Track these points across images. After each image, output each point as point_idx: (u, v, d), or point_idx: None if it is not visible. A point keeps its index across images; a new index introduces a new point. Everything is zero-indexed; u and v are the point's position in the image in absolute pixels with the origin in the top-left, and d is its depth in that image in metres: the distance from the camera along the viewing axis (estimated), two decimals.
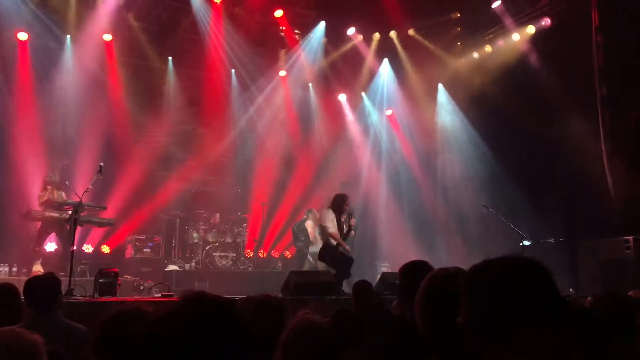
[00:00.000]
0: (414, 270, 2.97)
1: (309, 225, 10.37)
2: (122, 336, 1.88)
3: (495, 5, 11.34)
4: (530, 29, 11.24)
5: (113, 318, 2.02)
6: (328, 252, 8.10)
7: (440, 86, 13.26)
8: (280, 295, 6.40)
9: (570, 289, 8.46)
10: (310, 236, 10.33)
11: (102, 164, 7.49)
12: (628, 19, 8.97)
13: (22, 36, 10.33)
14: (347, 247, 8.25)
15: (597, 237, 8.76)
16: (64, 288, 5.03)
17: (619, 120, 9.10)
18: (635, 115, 8.88)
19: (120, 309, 2.09)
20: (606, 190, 9.07)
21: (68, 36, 10.86)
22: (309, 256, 10.38)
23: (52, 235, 9.23)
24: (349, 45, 12.83)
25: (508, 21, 11.51)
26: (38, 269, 8.47)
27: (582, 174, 9.58)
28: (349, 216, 8.32)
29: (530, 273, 1.47)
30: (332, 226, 8.15)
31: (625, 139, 8.98)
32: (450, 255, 11.20)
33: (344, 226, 8.23)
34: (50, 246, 9.30)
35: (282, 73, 13.12)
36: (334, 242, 8.13)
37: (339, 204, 8.31)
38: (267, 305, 3.28)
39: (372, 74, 13.51)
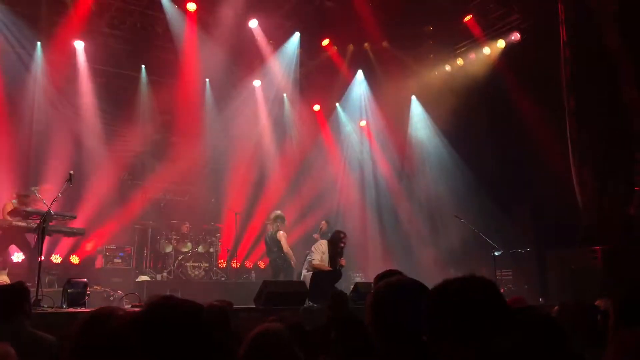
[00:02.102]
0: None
1: (282, 236, 10.20)
2: (96, 339, 1.86)
3: (466, 19, 11.56)
4: (501, 43, 11.49)
5: (87, 321, 1.99)
6: (317, 282, 8.12)
7: (414, 98, 13.43)
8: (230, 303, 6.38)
9: (540, 299, 8.59)
10: (284, 247, 10.16)
11: (72, 172, 7.35)
12: (594, 33, 9.23)
13: None
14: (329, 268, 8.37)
15: (565, 247, 8.92)
16: (31, 299, 4.91)
17: (586, 132, 9.32)
18: (601, 127, 9.11)
19: (95, 312, 2.06)
20: (575, 201, 9.26)
21: (38, 42, 10.70)
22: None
23: (19, 245, 9.01)
24: (323, 56, 12.91)
25: (479, 35, 11.75)
26: (4, 279, 8.25)
27: (551, 185, 9.78)
28: (340, 255, 8.51)
29: (482, 292, 1.64)
30: (317, 259, 8.34)
31: (592, 151, 9.20)
32: (424, 265, 11.29)
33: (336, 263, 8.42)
34: (17, 256, 9.08)
35: (257, 83, 13.13)
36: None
37: (334, 242, 8.51)
38: (210, 313, 3.27)
39: (347, 85, 13.61)
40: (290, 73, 13.04)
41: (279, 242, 10.05)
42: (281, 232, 10.00)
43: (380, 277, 3.17)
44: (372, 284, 3.30)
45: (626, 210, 8.47)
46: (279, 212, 10.25)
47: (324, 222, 10.82)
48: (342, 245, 8.47)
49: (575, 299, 6.98)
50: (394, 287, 1.94)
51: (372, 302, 1.94)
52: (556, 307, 4.19)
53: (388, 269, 3.26)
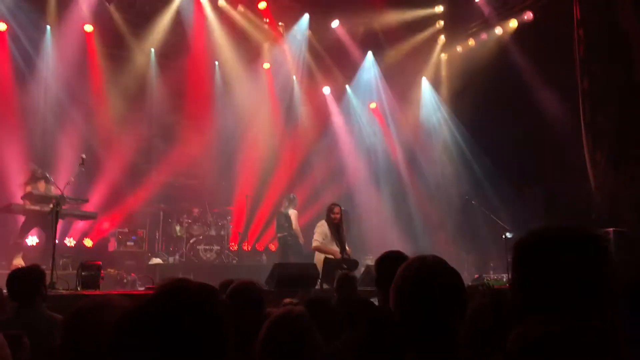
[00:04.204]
0: (388, 260, 3.01)
1: (292, 213, 10.19)
2: (89, 334, 1.66)
3: None
4: (513, 23, 11.33)
5: (74, 316, 1.78)
6: (330, 268, 7.69)
7: (424, 79, 13.32)
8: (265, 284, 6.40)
9: None
10: (293, 224, 10.13)
11: (84, 155, 7.43)
12: (609, 12, 9.08)
13: (1, 26, 10.19)
14: (336, 250, 7.86)
15: None
16: (46, 281, 4.98)
17: (600, 113, 9.22)
18: (615, 108, 9.01)
19: (83, 305, 1.81)
20: (587, 183, 9.20)
21: (48, 27, 10.71)
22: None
23: (33, 229, 9.11)
24: (333, 38, 12.81)
25: (491, 15, 11.59)
26: (19, 262, 8.35)
27: (564, 166, 9.71)
28: (340, 228, 8.01)
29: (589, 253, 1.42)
30: (318, 240, 7.87)
31: (606, 132, 9.11)
32: (434, 247, 11.28)
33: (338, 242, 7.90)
34: (31, 240, 9.18)
35: (266, 65, 13.06)
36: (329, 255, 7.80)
37: (327, 216, 8.02)
38: (246, 293, 3.26)
39: (357, 67, 13.51)
40: (300, 55, 12.96)
41: (289, 218, 10.06)
42: (292, 210, 10.08)
43: (382, 259, 3.16)
44: (375, 266, 3.28)
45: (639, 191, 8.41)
46: (292, 195, 10.44)
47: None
48: (333, 217, 7.91)
49: None
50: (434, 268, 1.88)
51: (411, 284, 1.86)
52: None
53: (396, 250, 3.23)
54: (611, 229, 8.22)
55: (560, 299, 1.38)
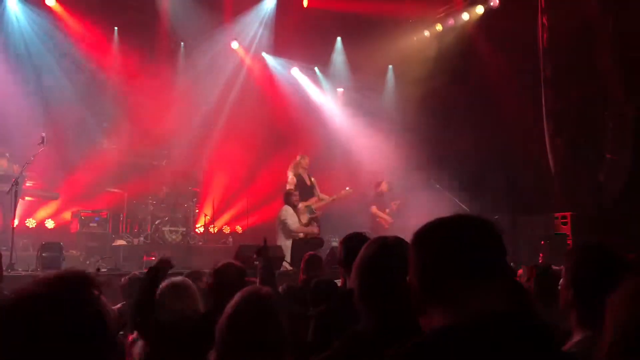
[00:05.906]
0: (352, 242, 3.07)
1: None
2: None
3: None
4: (479, 9, 11.44)
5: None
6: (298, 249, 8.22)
7: (391, 67, 13.38)
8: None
9: (511, 263, 8.79)
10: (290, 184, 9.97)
11: (44, 134, 7.27)
12: (573, 1, 9.26)
13: None
14: (314, 230, 9.15)
15: (537, 213, 9.12)
16: (5, 262, 4.89)
17: (561, 101, 9.43)
18: (576, 96, 9.23)
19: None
20: (547, 169, 9.43)
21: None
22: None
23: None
24: (301, 18, 12.69)
25: (458, 0, 11.68)
26: None
27: (525, 152, 9.93)
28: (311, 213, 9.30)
29: (479, 233, 1.42)
30: (292, 222, 8.90)
31: (566, 120, 9.33)
32: (397, 230, 11.41)
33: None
34: None
35: (235, 45, 12.87)
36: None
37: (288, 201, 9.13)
38: (226, 274, 3.29)
39: (325, 49, 13.45)
40: (269, 34, 12.84)
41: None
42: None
43: (346, 240, 3.23)
44: (339, 247, 3.34)
45: (596, 177, 8.67)
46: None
47: (384, 183, 10.69)
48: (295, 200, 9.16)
49: (544, 263, 7.19)
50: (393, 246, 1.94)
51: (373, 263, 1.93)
52: (519, 270, 4.38)
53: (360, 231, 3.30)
54: (569, 213, 8.49)
55: (457, 285, 1.35)
